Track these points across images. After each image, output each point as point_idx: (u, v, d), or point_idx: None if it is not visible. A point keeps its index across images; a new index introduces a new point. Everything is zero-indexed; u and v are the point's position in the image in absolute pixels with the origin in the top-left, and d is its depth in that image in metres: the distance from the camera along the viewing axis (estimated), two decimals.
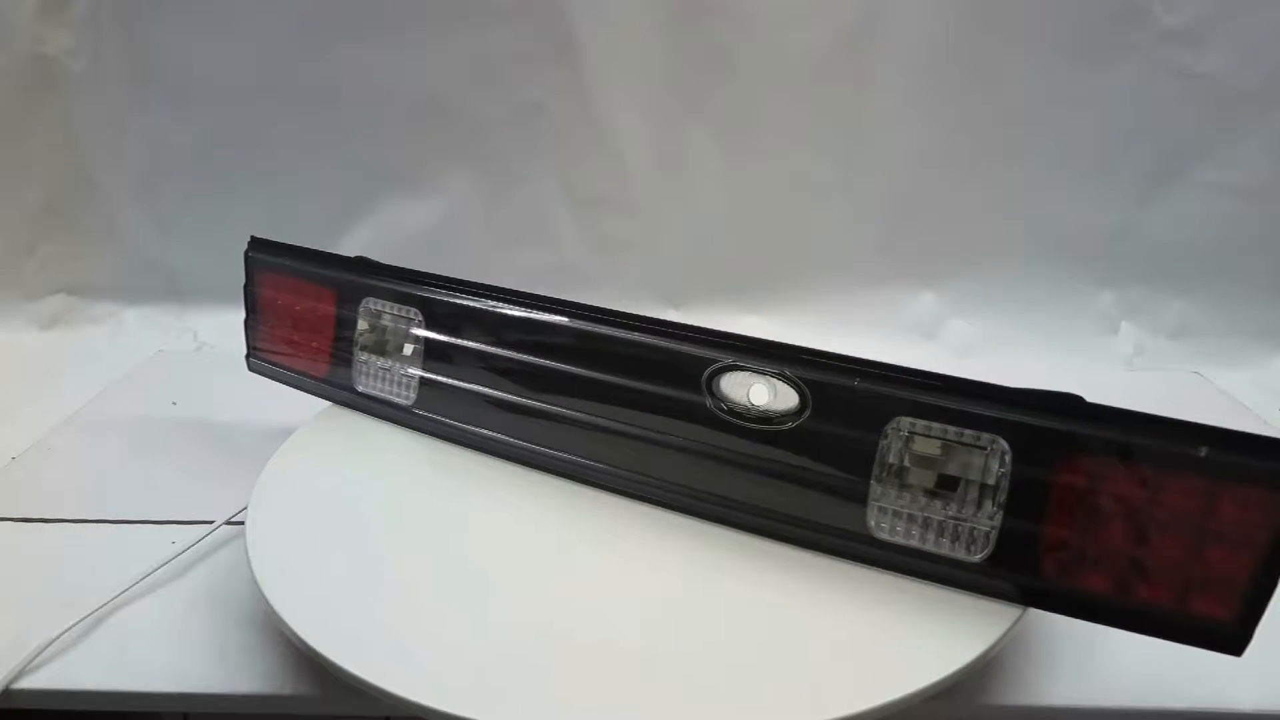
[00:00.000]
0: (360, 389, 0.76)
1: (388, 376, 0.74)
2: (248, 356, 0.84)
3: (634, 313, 0.65)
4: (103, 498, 0.82)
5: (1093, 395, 0.52)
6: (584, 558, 0.61)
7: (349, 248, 1.24)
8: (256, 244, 0.80)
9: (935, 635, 0.52)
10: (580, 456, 0.67)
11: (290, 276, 0.78)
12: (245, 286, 0.82)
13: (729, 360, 0.60)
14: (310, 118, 1.20)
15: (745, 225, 1.24)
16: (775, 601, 0.56)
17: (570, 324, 0.67)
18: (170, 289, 1.29)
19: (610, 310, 0.66)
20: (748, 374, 0.59)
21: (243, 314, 1.26)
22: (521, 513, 0.66)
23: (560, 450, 0.68)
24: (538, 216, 1.24)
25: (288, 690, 0.60)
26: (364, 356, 0.75)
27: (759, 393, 0.59)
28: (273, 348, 0.82)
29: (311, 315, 0.77)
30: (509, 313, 0.69)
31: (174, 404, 1.03)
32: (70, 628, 0.63)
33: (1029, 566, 0.52)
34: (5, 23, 1.16)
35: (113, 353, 1.18)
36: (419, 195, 1.23)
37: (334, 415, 0.79)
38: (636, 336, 0.64)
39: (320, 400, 0.81)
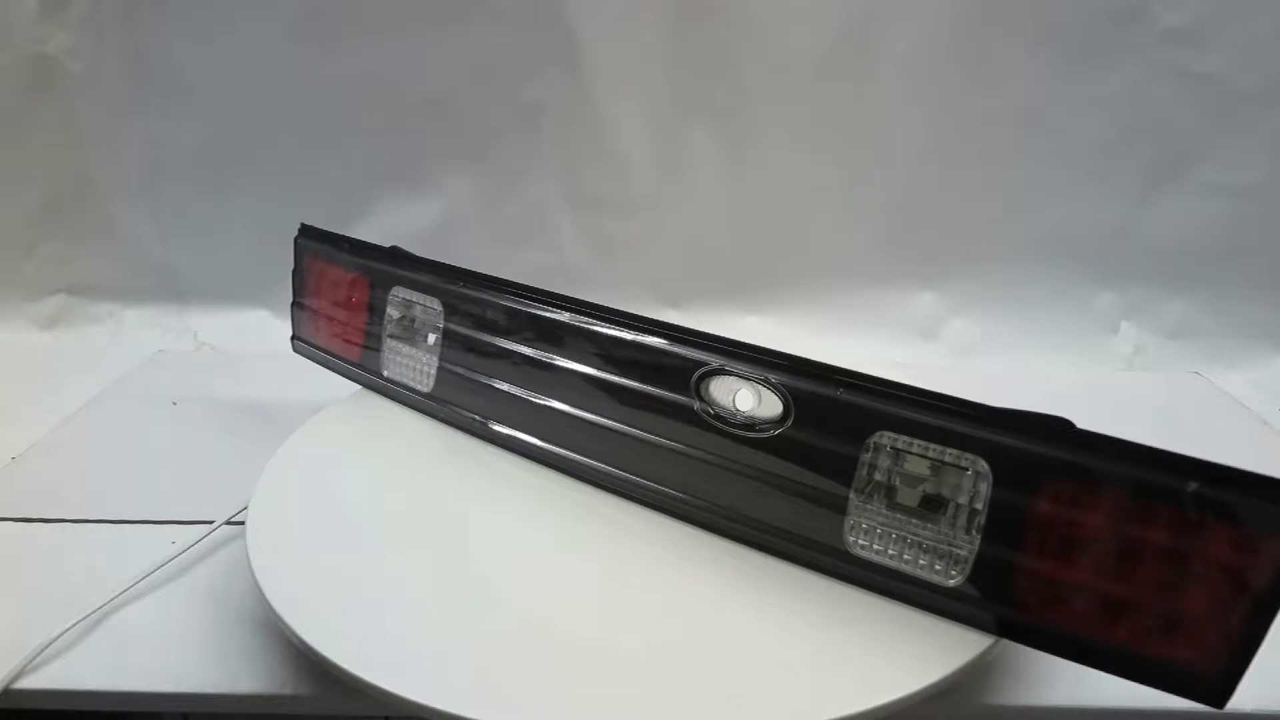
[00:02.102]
0: (386, 374, 0.79)
1: (411, 364, 0.77)
2: (292, 339, 0.87)
3: (631, 312, 0.65)
4: (103, 498, 0.82)
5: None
6: (584, 558, 0.61)
7: None
8: (306, 230, 0.84)
9: (928, 640, 0.52)
10: (576, 452, 0.67)
11: (331, 263, 0.82)
12: (293, 271, 0.85)
13: (718, 364, 0.60)
14: (310, 118, 1.20)
15: (745, 225, 1.24)
16: (773, 604, 0.56)
17: (567, 320, 0.67)
18: (170, 289, 1.29)
19: (607, 308, 0.66)
20: (735, 379, 0.59)
21: (242, 314, 1.28)
22: (522, 511, 0.66)
23: (558, 445, 0.69)
24: (538, 216, 1.24)
25: (288, 690, 0.60)
26: (392, 343, 0.78)
27: (745, 398, 0.59)
28: (313, 331, 0.85)
29: (348, 301, 0.81)
30: (512, 306, 0.70)
31: (174, 404, 1.03)
32: (70, 628, 0.63)
33: (1003, 595, 0.50)
34: (5, 23, 1.16)
35: (113, 353, 1.18)
36: (419, 195, 1.23)
37: (334, 415, 0.79)
38: (631, 335, 0.64)
39: (320, 398, 0.81)
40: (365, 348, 0.80)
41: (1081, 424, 0.49)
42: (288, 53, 1.16)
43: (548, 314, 0.68)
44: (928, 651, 0.51)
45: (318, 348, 0.85)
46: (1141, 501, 0.46)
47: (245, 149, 1.22)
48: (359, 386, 0.83)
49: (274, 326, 1.28)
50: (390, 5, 1.14)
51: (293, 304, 0.87)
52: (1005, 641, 0.52)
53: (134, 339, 1.25)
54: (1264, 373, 1.19)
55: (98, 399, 1.04)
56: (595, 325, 0.66)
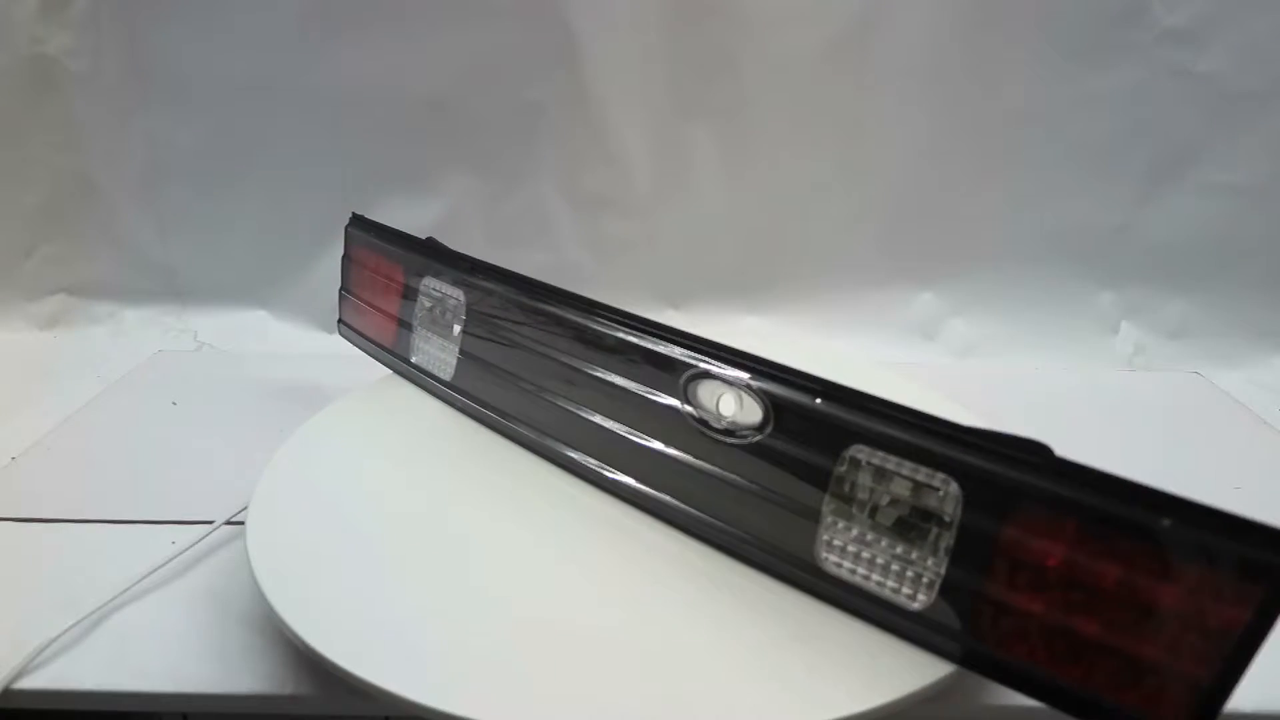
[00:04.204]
0: (414, 361, 0.81)
1: (436, 352, 0.80)
2: (338, 323, 0.91)
3: (626, 310, 0.66)
4: (103, 498, 0.82)
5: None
6: (586, 557, 0.61)
7: None
8: (356, 220, 0.88)
9: (881, 663, 0.51)
10: (577, 450, 0.68)
11: (373, 252, 0.85)
12: (342, 259, 0.89)
13: (704, 367, 0.60)
14: (310, 118, 1.20)
15: (745, 225, 1.24)
16: (770, 604, 0.56)
17: (567, 315, 0.68)
18: (170, 289, 1.29)
19: (604, 305, 0.67)
20: (720, 383, 0.59)
21: (242, 314, 1.28)
22: (523, 510, 0.66)
23: (559, 440, 0.69)
24: (538, 216, 1.24)
25: (288, 690, 0.60)
26: (421, 332, 0.81)
27: (727, 403, 0.59)
28: (355, 317, 0.89)
29: (385, 289, 0.84)
30: (519, 300, 0.72)
31: (174, 404, 1.03)
32: (70, 628, 0.64)
33: (967, 624, 0.49)
34: (5, 23, 1.16)
35: (113, 353, 1.18)
36: (419, 195, 1.23)
37: (334, 414, 0.79)
38: (625, 335, 0.64)
39: (320, 397, 0.81)
40: (398, 335, 0.83)
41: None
42: (288, 52, 1.16)
43: (551, 309, 0.69)
44: (878, 674, 0.50)
45: (358, 332, 0.89)
46: (1114, 537, 0.43)
47: (245, 149, 1.22)
48: (361, 385, 0.84)
49: (274, 326, 1.28)
50: (390, 4, 1.14)
51: (340, 290, 0.90)
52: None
53: (134, 339, 1.25)
54: (1264, 373, 1.19)
55: (98, 399, 1.04)
56: (592, 322, 0.66)
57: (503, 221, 1.24)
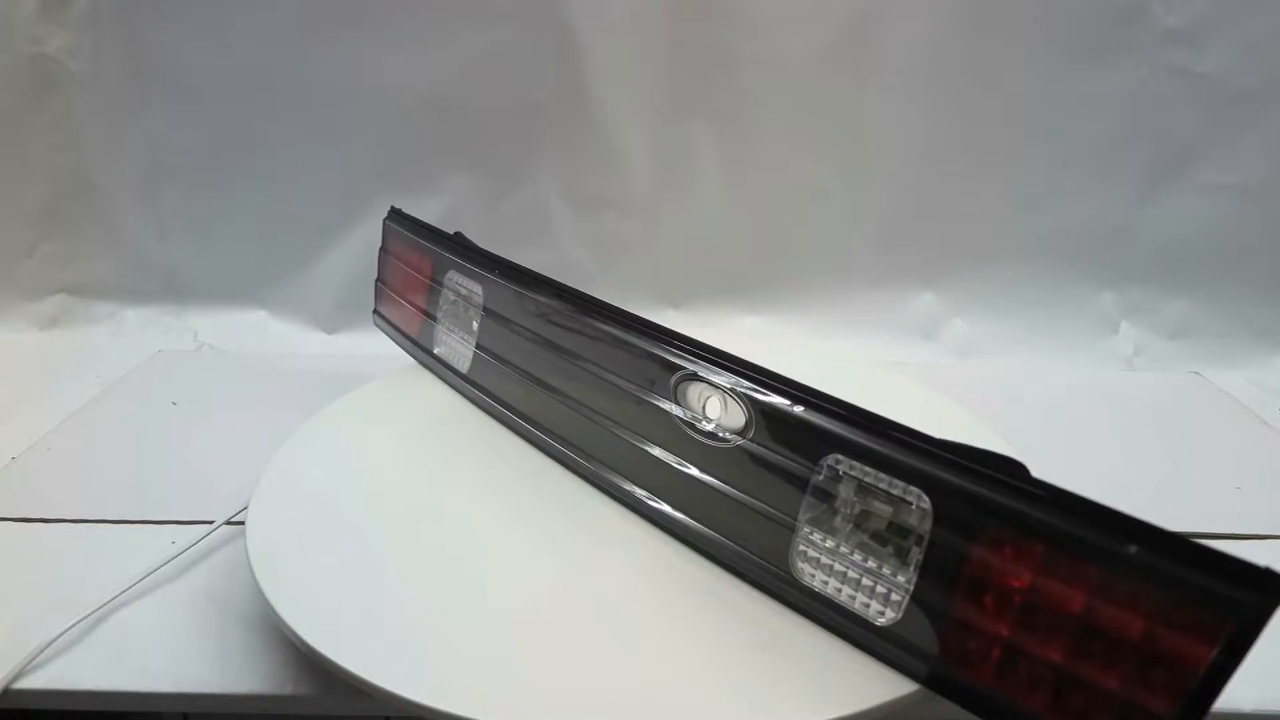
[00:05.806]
0: (436, 352, 0.84)
1: (456, 344, 0.82)
2: (373, 313, 0.94)
3: (621, 309, 0.66)
4: (103, 498, 0.82)
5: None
6: (587, 557, 0.61)
7: (349, 248, 1.24)
8: (393, 214, 0.90)
9: (838, 680, 0.50)
10: (578, 448, 0.69)
11: (405, 246, 0.88)
12: (379, 251, 0.92)
13: (692, 369, 0.60)
14: (310, 118, 1.20)
15: (745, 225, 1.24)
16: (743, 610, 0.56)
17: (569, 313, 0.69)
18: (170, 289, 1.29)
19: (604, 305, 0.67)
20: (707, 386, 0.59)
21: (242, 314, 1.28)
22: (523, 508, 0.66)
23: (561, 438, 0.70)
24: (538, 216, 1.24)
25: (288, 690, 0.60)
26: (444, 324, 0.83)
27: (714, 406, 0.59)
28: (387, 307, 0.93)
29: (415, 282, 0.86)
30: (528, 296, 0.73)
31: (174, 404, 1.03)
32: (70, 628, 0.64)
33: (931, 642, 0.48)
34: (5, 23, 1.16)
35: (113, 353, 1.18)
36: (419, 195, 1.23)
37: (335, 414, 0.79)
38: (621, 334, 0.65)
39: (319, 397, 0.81)
40: (423, 326, 0.85)
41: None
42: (288, 52, 1.16)
43: (553, 306, 0.70)
44: (837, 688, 0.49)
45: (389, 322, 0.92)
46: (1081, 562, 0.42)
47: (245, 149, 1.22)
48: (360, 386, 0.84)
49: (274, 327, 1.28)
50: (391, 5, 1.14)
51: (376, 281, 0.93)
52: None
53: (134, 339, 1.25)
54: (1264, 373, 1.19)
55: (98, 399, 1.04)
56: (590, 320, 0.67)
57: (503, 221, 1.24)
